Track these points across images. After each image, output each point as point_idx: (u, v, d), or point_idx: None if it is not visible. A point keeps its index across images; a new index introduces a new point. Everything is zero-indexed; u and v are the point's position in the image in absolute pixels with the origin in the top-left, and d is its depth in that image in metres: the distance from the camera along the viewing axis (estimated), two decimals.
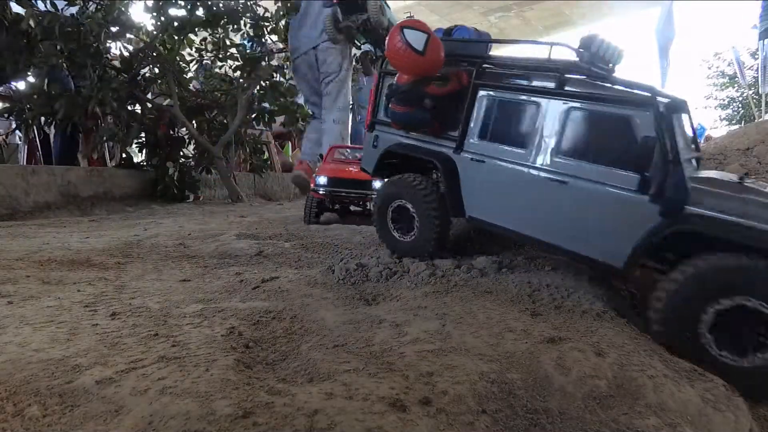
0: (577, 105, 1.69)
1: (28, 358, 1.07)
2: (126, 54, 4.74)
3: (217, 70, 5.73)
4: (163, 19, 4.55)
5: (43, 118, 4.36)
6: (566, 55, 1.83)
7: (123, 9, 4.41)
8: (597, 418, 0.98)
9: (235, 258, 2.38)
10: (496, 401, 0.98)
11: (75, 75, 4.52)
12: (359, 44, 4.93)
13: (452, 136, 2.03)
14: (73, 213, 4.10)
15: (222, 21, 4.72)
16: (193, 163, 5.50)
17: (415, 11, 7.35)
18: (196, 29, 4.78)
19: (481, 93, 1.96)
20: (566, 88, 1.72)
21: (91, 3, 4.28)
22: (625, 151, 1.55)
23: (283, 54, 5.68)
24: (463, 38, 2.24)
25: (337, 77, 4.48)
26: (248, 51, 5.17)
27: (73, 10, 4.24)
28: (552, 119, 1.74)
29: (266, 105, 5.62)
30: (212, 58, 5.34)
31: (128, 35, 4.64)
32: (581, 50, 1.78)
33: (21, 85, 4.66)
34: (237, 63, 5.30)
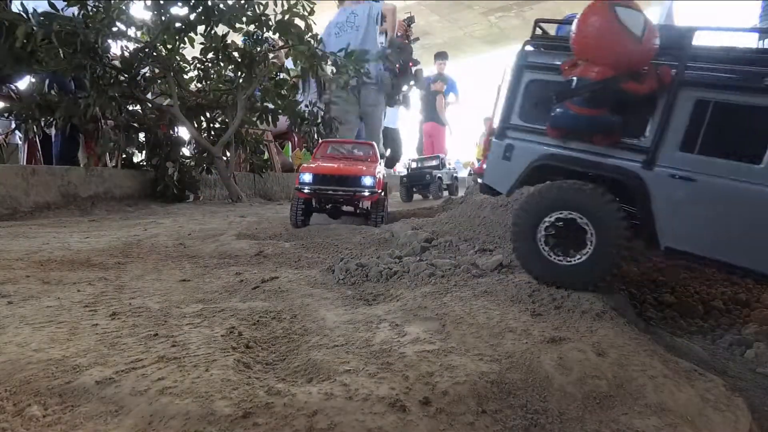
0: None
1: (28, 358, 1.07)
2: (126, 54, 4.74)
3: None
4: (163, 18, 4.55)
5: (43, 120, 4.36)
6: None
7: (123, 8, 4.40)
8: (597, 418, 0.98)
9: (235, 258, 2.38)
10: (496, 401, 0.98)
11: (75, 76, 4.53)
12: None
13: (632, 145, 1.63)
14: (73, 213, 4.10)
15: (217, 19, 4.71)
16: (193, 163, 5.50)
17: (415, 11, 7.35)
18: (197, 27, 4.77)
19: (688, 93, 1.54)
20: None
21: (90, 3, 4.27)
22: None
23: (283, 52, 5.69)
24: (665, 24, 1.83)
25: (375, 109, 5.69)
26: (248, 49, 5.16)
27: (74, 9, 4.24)
28: None
29: (268, 104, 5.62)
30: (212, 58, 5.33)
31: (129, 34, 4.63)
32: None
33: (21, 85, 4.67)
34: (237, 63, 5.30)
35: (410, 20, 6.56)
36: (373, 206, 3.45)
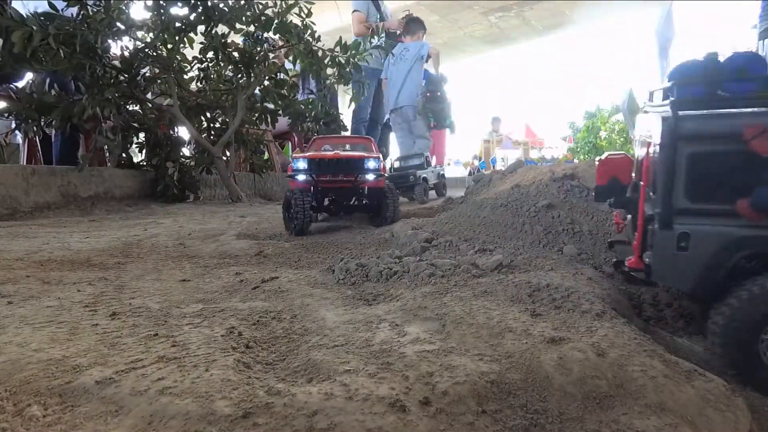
0: None
1: (28, 358, 1.07)
2: (126, 54, 4.74)
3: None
4: (163, 18, 4.55)
5: (42, 119, 4.36)
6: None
7: (123, 8, 4.41)
8: (597, 418, 0.97)
9: (235, 258, 2.38)
10: (496, 401, 0.98)
11: (75, 76, 4.53)
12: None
13: None
14: (73, 213, 4.10)
15: (217, 18, 4.71)
16: (193, 163, 5.50)
17: (415, 11, 7.37)
18: (197, 27, 4.77)
19: None
20: None
21: (90, 3, 4.27)
22: None
23: (282, 51, 5.69)
24: None
25: (421, 139, 6.76)
26: (248, 49, 5.16)
27: (73, 10, 4.24)
28: None
29: (268, 104, 5.63)
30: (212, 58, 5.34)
31: (130, 34, 4.63)
32: None
33: (22, 85, 4.67)
34: (237, 63, 5.30)
35: (408, 18, 6.57)
36: (382, 198, 3.01)
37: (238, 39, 5.29)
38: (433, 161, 7.12)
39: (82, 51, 4.06)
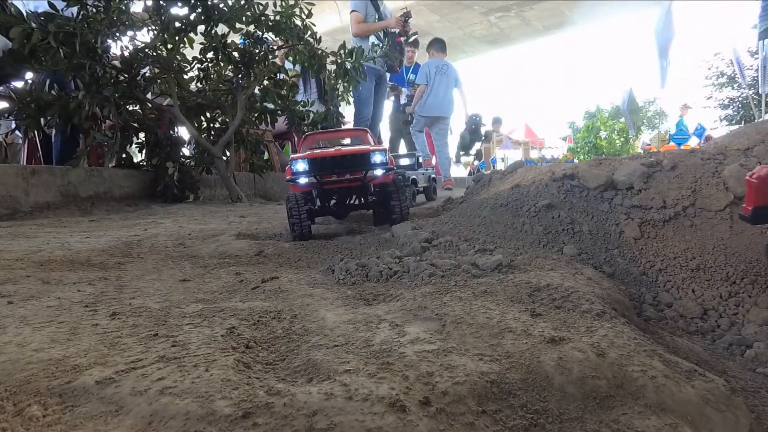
0: None
1: (28, 358, 1.07)
2: (126, 54, 4.74)
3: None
4: (163, 18, 4.55)
5: (42, 119, 4.36)
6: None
7: (123, 8, 4.41)
8: (597, 418, 0.97)
9: (235, 258, 2.38)
10: (496, 401, 0.98)
11: (75, 76, 4.53)
12: None
13: None
14: (73, 213, 4.10)
15: (217, 18, 4.71)
16: (193, 163, 5.50)
17: (415, 11, 7.36)
18: (197, 27, 4.77)
19: None
20: None
21: (90, 3, 4.27)
22: None
23: (282, 51, 5.69)
24: None
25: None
26: (247, 49, 5.16)
27: (73, 10, 4.24)
28: None
29: (268, 105, 5.63)
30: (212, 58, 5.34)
31: (129, 34, 4.63)
32: None
33: (21, 84, 4.66)
34: (237, 63, 5.30)
35: (407, 15, 6.50)
36: (391, 193, 2.74)
37: (238, 39, 5.30)
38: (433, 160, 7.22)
39: (82, 51, 4.07)
